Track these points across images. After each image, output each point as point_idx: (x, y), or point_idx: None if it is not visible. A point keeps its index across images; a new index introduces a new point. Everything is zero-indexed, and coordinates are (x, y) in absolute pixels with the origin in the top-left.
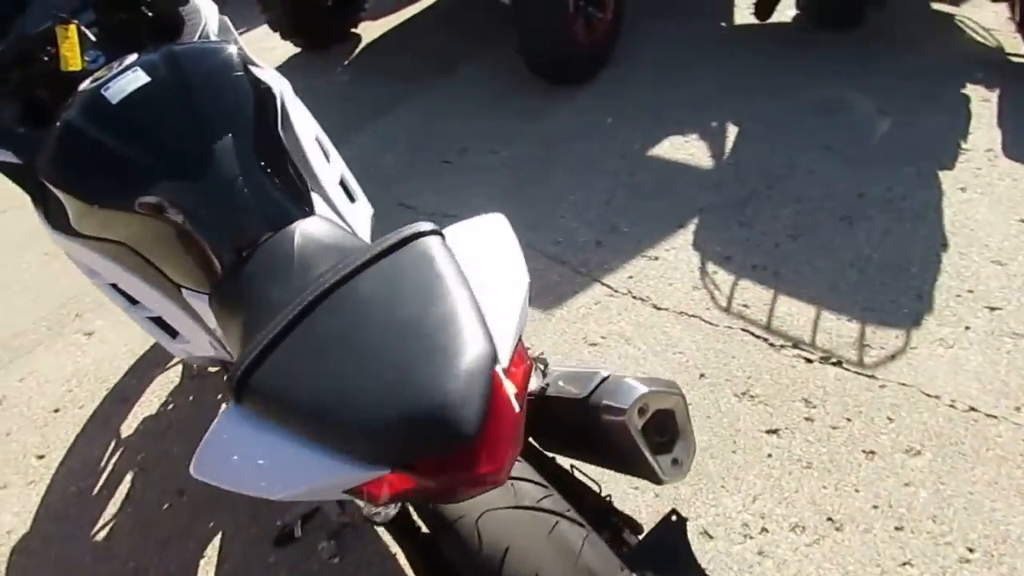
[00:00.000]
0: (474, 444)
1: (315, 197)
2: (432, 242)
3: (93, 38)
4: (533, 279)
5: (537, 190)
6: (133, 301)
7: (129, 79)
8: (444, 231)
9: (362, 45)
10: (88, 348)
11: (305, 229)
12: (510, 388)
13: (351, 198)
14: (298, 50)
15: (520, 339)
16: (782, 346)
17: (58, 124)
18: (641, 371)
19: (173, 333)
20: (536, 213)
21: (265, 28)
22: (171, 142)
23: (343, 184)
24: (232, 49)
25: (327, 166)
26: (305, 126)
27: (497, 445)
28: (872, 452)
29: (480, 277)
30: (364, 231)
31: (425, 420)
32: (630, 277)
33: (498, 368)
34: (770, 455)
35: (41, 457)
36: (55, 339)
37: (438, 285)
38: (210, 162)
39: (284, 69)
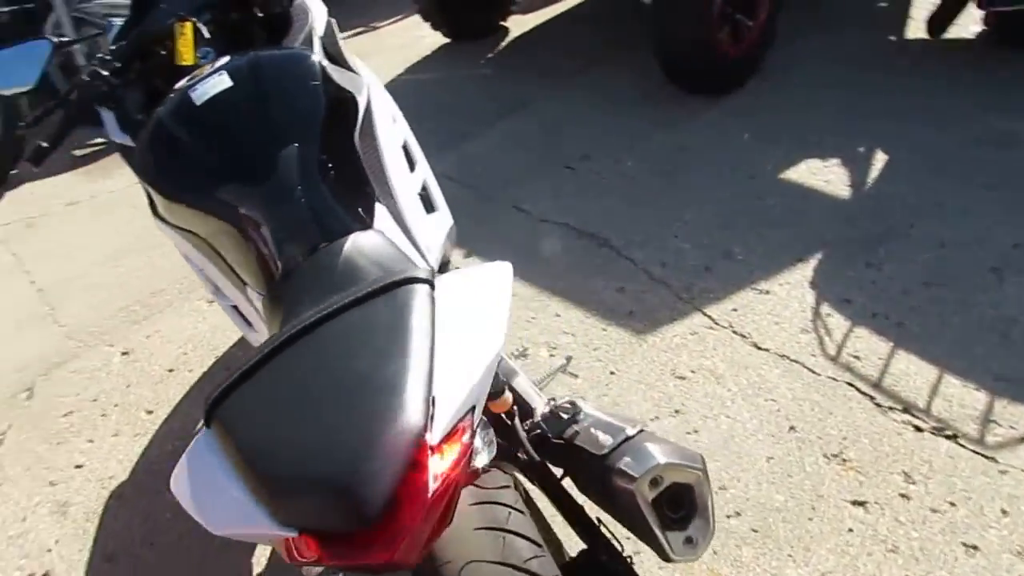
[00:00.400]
0: (373, 529)
1: (381, 208)
2: (418, 291)
3: (207, 35)
4: (631, 300)
5: (654, 205)
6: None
7: (215, 82)
8: (440, 278)
9: (508, 39)
10: (207, 315)
11: (357, 242)
12: (435, 468)
13: (431, 208)
14: (448, 40)
15: (471, 411)
16: (890, 408)
17: (150, 119)
18: (725, 414)
19: (249, 323)
20: (648, 229)
21: (418, 16)
22: (242, 147)
23: (426, 193)
24: (314, 58)
25: (407, 176)
26: (390, 133)
27: (399, 532)
28: (975, 547)
29: (451, 337)
30: (434, 244)
31: (331, 493)
32: (734, 310)
33: (428, 440)
34: (851, 530)
35: (150, 412)
36: (183, 302)
37: (401, 341)
38: (275, 169)
39: (431, 58)
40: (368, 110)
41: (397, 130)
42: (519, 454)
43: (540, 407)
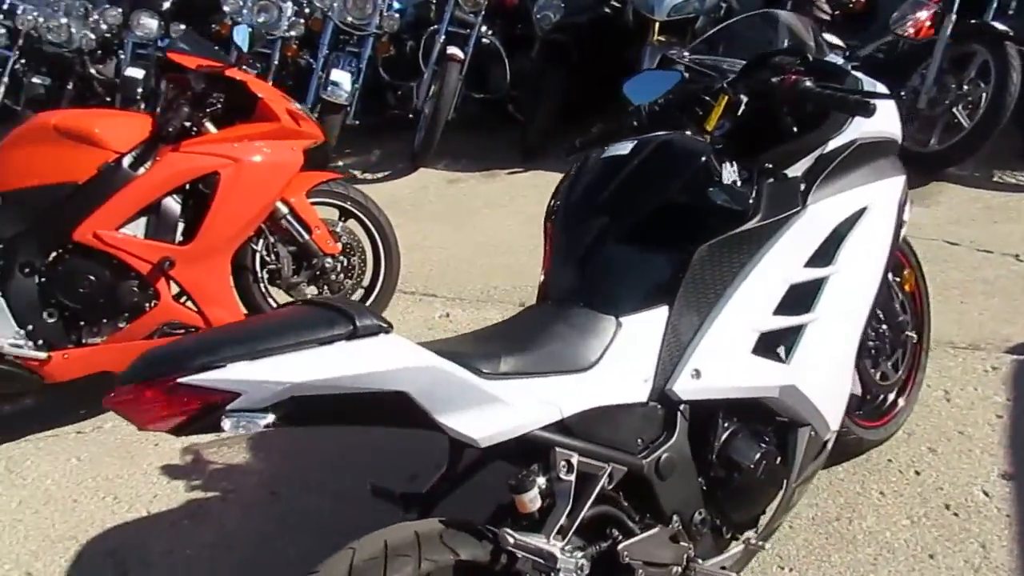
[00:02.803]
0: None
1: (658, 310)
2: (383, 341)
3: (738, 112)
4: None
5: None
6: None
7: (622, 146)
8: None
9: None
10: None
11: (579, 316)
12: (162, 395)
13: (770, 354)
14: None
15: (234, 395)
16: None
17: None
18: None
19: None
20: None
21: None
22: (586, 201)
23: (786, 342)
24: (704, 158)
25: (756, 308)
26: (779, 267)
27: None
28: None
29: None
30: (717, 375)
31: None
32: None
33: (177, 376)
34: None
35: None
36: None
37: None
38: (586, 227)
39: None
40: (756, 233)
41: (804, 272)
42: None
43: (543, 540)
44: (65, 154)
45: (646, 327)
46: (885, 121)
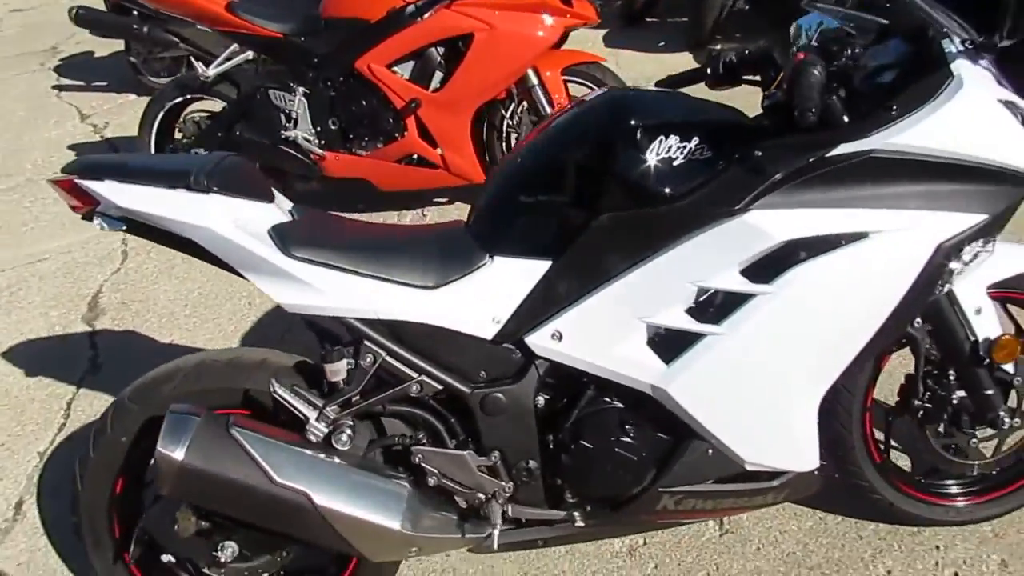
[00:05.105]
0: None
1: (533, 263)
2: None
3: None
4: None
5: None
6: None
7: (592, 92)
8: None
9: None
10: None
11: (453, 244)
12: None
13: (655, 350)
14: None
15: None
16: None
17: None
18: None
19: None
20: None
21: None
22: (533, 140)
23: (666, 337)
24: (635, 122)
25: (638, 295)
26: (689, 264)
27: (58, 181)
28: None
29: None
30: (609, 363)
31: None
32: None
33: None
34: None
35: None
36: None
37: None
38: (516, 165)
39: None
40: (667, 219)
41: (726, 280)
42: None
43: (311, 403)
44: None
45: (516, 273)
46: (953, 138)
